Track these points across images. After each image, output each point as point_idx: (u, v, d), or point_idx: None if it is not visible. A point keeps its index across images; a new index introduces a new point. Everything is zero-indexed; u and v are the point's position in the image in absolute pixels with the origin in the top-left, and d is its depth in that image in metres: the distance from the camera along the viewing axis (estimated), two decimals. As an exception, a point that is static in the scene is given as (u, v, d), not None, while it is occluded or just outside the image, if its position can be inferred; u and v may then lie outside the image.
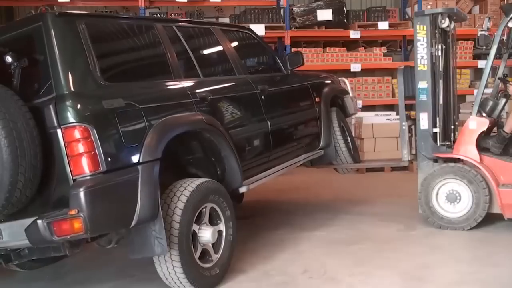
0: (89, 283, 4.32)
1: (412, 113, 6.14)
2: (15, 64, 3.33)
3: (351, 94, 6.54)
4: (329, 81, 6.24)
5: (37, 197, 3.28)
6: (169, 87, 4.05)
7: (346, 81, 6.69)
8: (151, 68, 4.16)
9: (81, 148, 3.14)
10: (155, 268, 3.86)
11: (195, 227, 3.80)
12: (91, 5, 9.35)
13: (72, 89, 3.26)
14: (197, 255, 3.83)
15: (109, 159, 3.24)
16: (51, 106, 3.19)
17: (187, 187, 3.75)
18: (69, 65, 3.33)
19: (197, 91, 4.15)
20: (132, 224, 3.35)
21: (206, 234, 3.87)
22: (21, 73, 3.35)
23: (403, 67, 5.89)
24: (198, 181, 3.83)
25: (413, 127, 5.60)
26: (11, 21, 8.32)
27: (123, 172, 3.31)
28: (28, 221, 3.14)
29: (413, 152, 5.64)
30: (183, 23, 4.98)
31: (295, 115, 5.44)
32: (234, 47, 5.07)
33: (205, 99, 4.15)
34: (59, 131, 3.17)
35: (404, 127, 5.56)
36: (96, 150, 3.17)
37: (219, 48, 4.90)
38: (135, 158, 3.38)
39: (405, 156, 5.62)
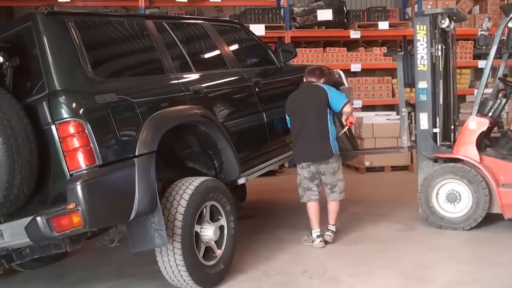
0: (89, 283, 4.32)
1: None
2: (7, 63, 3.35)
3: (346, 85, 6.53)
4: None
5: (36, 196, 3.30)
6: (162, 82, 4.07)
7: (341, 72, 6.67)
8: (143, 63, 4.19)
9: (76, 143, 3.17)
10: (154, 268, 3.87)
11: (197, 227, 3.82)
12: (91, 5, 9.35)
13: (64, 86, 3.28)
14: (200, 255, 3.86)
15: (105, 153, 3.26)
16: (44, 103, 3.22)
17: (186, 190, 3.75)
18: (60, 62, 3.36)
19: (190, 85, 4.18)
20: (131, 217, 3.37)
21: (208, 232, 3.90)
22: (14, 73, 3.37)
23: (402, 53, 5.87)
24: (196, 183, 3.84)
25: (412, 113, 5.59)
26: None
27: (119, 165, 3.34)
28: (28, 220, 3.15)
29: (413, 138, 5.63)
30: (173, 19, 5.02)
31: None
32: (225, 41, 5.11)
33: (198, 92, 4.17)
34: (53, 127, 3.20)
35: (403, 113, 5.55)
36: (91, 145, 3.20)
37: (211, 42, 4.93)
38: (131, 151, 3.40)
39: (405, 143, 5.62)
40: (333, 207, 4.94)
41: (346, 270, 4.23)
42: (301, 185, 4.92)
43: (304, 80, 5.06)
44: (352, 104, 4.90)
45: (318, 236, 4.84)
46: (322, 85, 4.88)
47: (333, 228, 4.97)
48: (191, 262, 3.69)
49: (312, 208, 4.89)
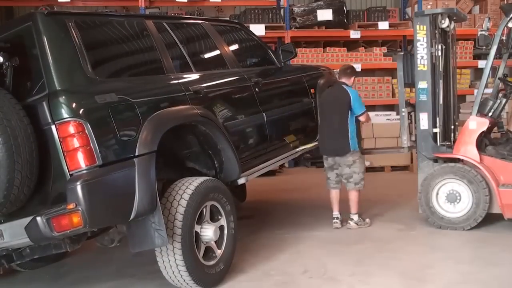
0: (89, 283, 4.32)
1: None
2: (7, 63, 3.35)
3: None
4: (324, 73, 6.24)
5: (36, 196, 3.30)
6: (162, 82, 4.07)
7: None
8: (143, 63, 4.19)
9: (76, 143, 3.17)
10: (154, 268, 3.87)
11: (197, 227, 3.82)
12: (91, 5, 9.35)
13: (64, 86, 3.28)
14: (200, 255, 3.86)
15: (105, 153, 3.27)
16: (44, 103, 3.22)
17: (186, 190, 3.75)
18: (60, 62, 3.36)
19: (190, 85, 4.18)
20: (131, 217, 3.36)
21: (208, 232, 3.90)
22: (14, 73, 3.37)
23: (402, 53, 5.88)
24: (196, 183, 3.84)
25: (412, 113, 5.60)
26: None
27: (119, 165, 3.34)
28: (28, 220, 3.15)
29: (413, 138, 5.65)
30: (173, 19, 5.02)
31: (290, 107, 5.45)
32: (225, 41, 5.11)
33: (198, 92, 4.17)
34: (53, 127, 3.20)
35: (403, 113, 5.57)
36: (91, 144, 3.20)
37: (211, 42, 4.93)
38: (131, 151, 3.40)
39: (405, 143, 5.64)
40: (350, 197, 5.39)
41: (346, 270, 4.23)
42: (325, 173, 5.48)
43: (338, 79, 5.47)
44: (368, 116, 5.43)
45: (333, 218, 5.39)
46: (348, 89, 5.27)
47: (355, 217, 5.35)
48: (191, 262, 3.69)
49: (331, 195, 5.48)
